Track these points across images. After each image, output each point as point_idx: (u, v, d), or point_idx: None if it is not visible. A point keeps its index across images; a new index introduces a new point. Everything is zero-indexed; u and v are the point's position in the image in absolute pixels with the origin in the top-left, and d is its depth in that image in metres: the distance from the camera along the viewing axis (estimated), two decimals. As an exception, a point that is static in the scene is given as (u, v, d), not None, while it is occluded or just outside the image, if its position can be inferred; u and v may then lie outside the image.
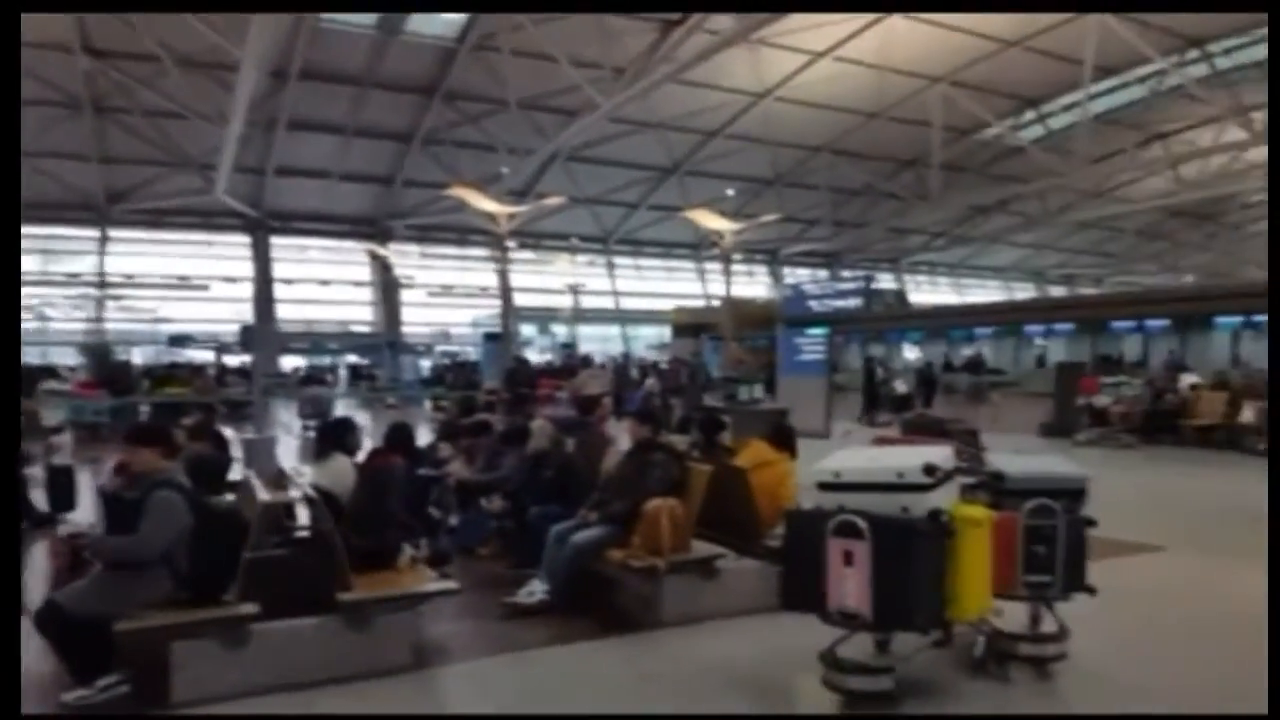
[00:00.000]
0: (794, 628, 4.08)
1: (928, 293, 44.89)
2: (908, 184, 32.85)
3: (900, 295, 40.05)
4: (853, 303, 18.18)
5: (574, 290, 35.64)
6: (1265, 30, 22.80)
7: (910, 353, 35.83)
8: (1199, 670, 4.48)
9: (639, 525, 5.09)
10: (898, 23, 23.47)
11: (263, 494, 4.89)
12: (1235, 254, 43.67)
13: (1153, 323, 28.57)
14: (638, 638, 4.89)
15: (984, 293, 46.54)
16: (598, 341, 36.34)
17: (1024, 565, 4.24)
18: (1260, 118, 24.37)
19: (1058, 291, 46.24)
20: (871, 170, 33.46)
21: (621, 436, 6.17)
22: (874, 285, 32.30)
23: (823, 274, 38.82)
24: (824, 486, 3.97)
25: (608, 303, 38.46)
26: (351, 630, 4.28)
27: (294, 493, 5.09)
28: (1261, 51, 24.44)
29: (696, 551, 5.26)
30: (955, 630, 4.05)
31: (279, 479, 5.83)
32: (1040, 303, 40.47)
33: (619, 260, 38.80)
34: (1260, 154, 28.61)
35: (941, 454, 4.08)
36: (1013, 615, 4.32)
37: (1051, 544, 4.26)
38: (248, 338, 17.69)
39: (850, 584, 3.77)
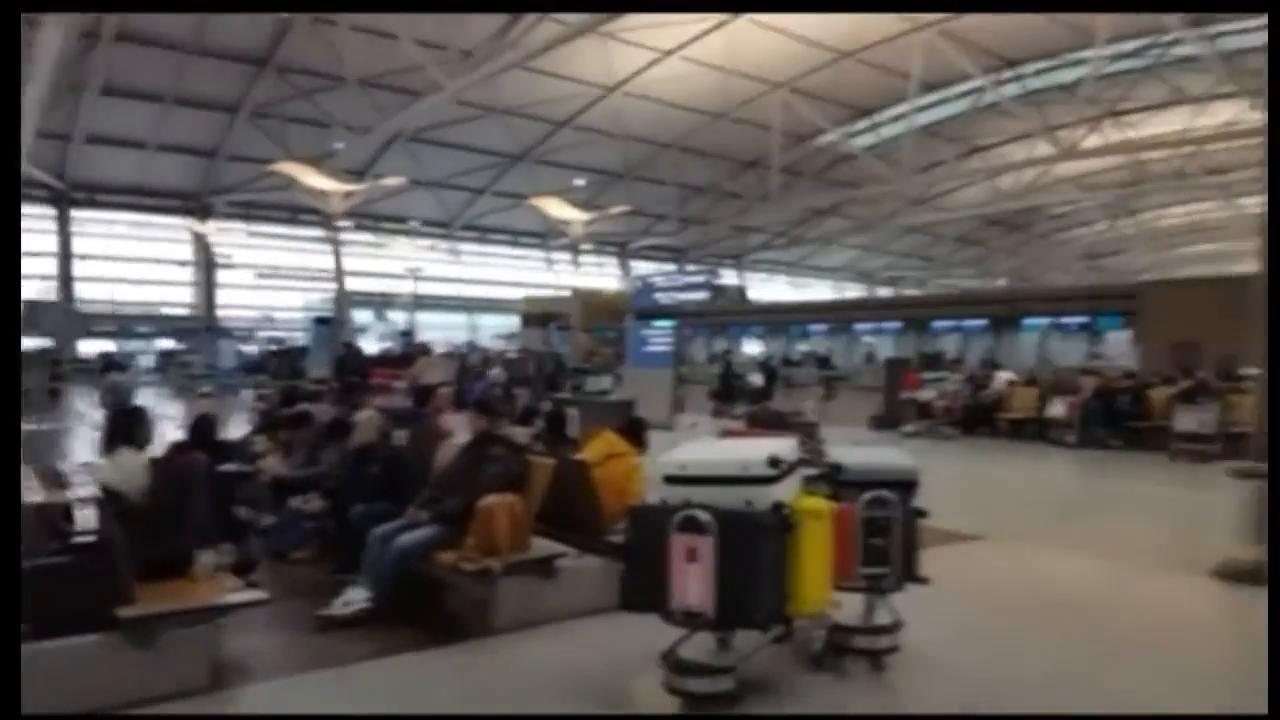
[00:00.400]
0: (636, 628, 3.91)
1: (768, 289, 46.43)
2: (750, 184, 33.79)
3: (741, 291, 41.23)
4: (698, 296, 18.42)
5: (414, 275, 34.45)
6: (1073, 54, 24.82)
7: (751, 347, 36.86)
8: (1026, 656, 4.63)
9: (473, 524, 4.76)
10: (744, 27, 23.98)
11: (35, 494, 4.23)
12: (1043, 261, 47.69)
13: (970, 322, 30.64)
14: (470, 646, 4.58)
15: (819, 291, 48.64)
16: (442, 330, 35.29)
17: (861, 557, 4.24)
18: (1065, 135, 26.57)
19: (885, 292, 48.90)
20: (716, 169, 34.21)
21: (461, 429, 5.80)
22: (718, 281, 33.05)
23: (670, 267, 39.36)
24: (670, 480, 3.82)
25: (452, 290, 37.43)
26: (136, 649, 3.75)
27: (77, 492, 4.45)
28: (1067, 74, 26.58)
29: (536, 551, 4.98)
30: (795, 624, 4.00)
31: (57, 477, 5.11)
32: (871, 302, 42.65)
33: (465, 247, 37.86)
34: (1066, 169, 31.26)
35: (786, 446, 4.02)
36: (849, 607, 4.30)
37: (888, 535, 4.27)
38: (37, 317, 15.83)
39: (693, 581, 3.63)
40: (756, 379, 20.51)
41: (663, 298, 18.28)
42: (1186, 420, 11.90)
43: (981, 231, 44.42)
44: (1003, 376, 16.25)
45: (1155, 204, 40.20)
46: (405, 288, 35.07)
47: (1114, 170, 34.12)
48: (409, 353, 18.26)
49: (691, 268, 37.52)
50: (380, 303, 35.92)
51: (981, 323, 30.32)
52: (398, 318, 35.71)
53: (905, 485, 4.43)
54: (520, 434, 6.58)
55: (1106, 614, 5.41)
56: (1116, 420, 13.30)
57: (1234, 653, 4.97)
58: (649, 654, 3.81)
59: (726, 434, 6.00)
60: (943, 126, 31.52)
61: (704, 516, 3.62)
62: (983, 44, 24.84)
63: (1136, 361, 21.29)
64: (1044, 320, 28.16)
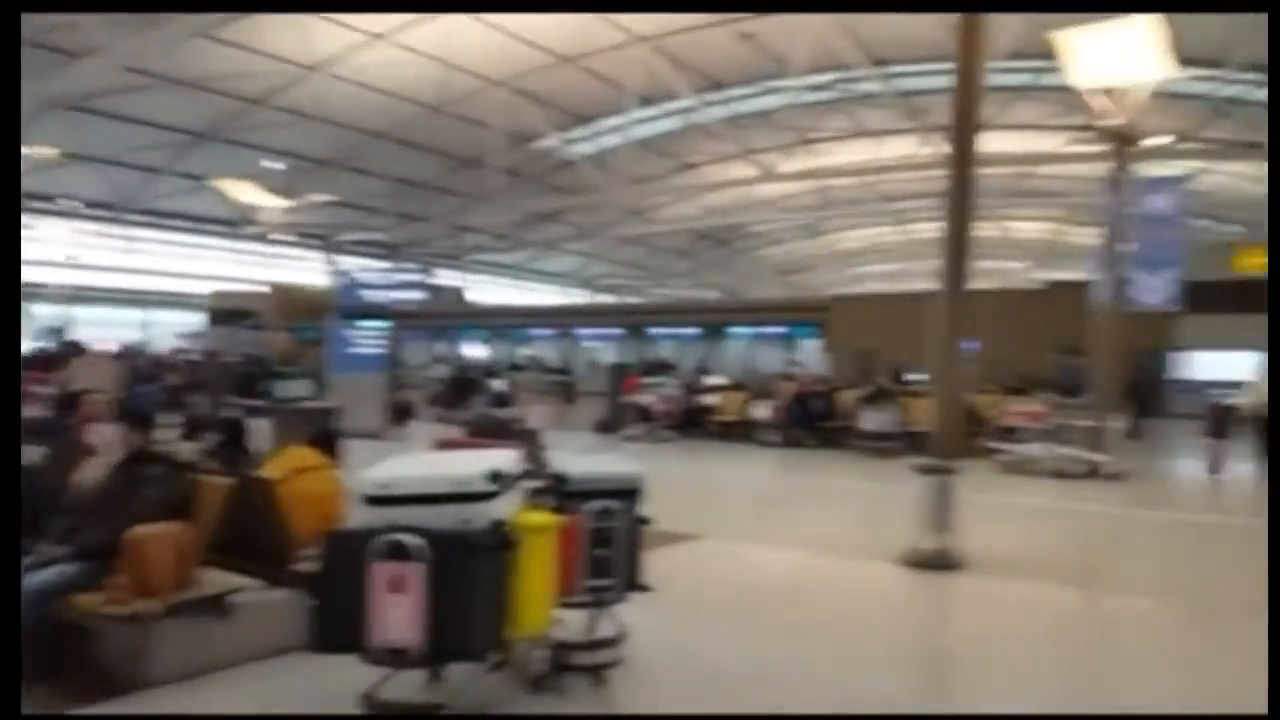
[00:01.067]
0: (332, 668, 3.45)
1: (490, 292, 45.87)
2: (469, 182, 33.06)
3: (458, 292, 40.33)
4: (412, 296, 17.48)
5: (71, 263, 29.85)
6: (770, 82, 26.87)
7: (473, 351, 36.16)
8: (745, 651, 4.67)
9: (124, 559, 3.90)
10: (461, 20, 23.31)
11: None
12: (748, 275, 51.52)
13: (685, 331, 32.29)
14: (120, 703, 3.77)
15: (542, 296, 48.92)
16: (111, 327, 30.82)
17: (587, 570, 4.03)
18: (765, 159, 28.74)
19: (606, 299, 50.28)
20: (434, 164, 33.10)
21: (110, 445, 4.78)
22: (435, 280, 31.97)
23: (383, 264, 37.47)
24: (372, 500, 3.35)
25: (122, 281, 32.98)
26: None
27: None
28: (765, 102, 28.76)
29: (207, 586, 4.20)
30: (515, 645, 3.76)
31: None
32: (595, 308, 43.63)
33: (138, 233, 33.46)
34: (766, 190, 33.87)
35: (507, 457, 3.71)
36: (572, 621, 4.08)
37: (613, 546, 4.10)
38: None
39: (399, 614, 3.19)
40: (498, 384, 19.96)
41: (372, 296, 17.15)
42: (870, 420, 13.24)
43: (694, 245, 47.04)
44: (714, 381, 17.12)
45: (840, 226, 44.85)
46: (59, 277, 30.32)
47: (806, 194, 37.53)
48: (62, 353, 15.62)
49: (406, 265, 35.98)
50: (25, 294, 30.63)
51: (695, 331, 32.06)
52: (46, 312, 30.62)
53: (629, 493, 4.28)
54: (187, 450, 5.61)
55: (814, 603, 5.70)
56: (812, 421, 14.45)
57: (922, 631, 5.40)
58: (346, 697, 3.39)
59: (444, 445, 5.51)
60: (657, 141, 32.84)
61: (412, 541, 3.22)
62: (694, 64, 26.14)
63: (827, 368, 23.48)
64: (749, 330, 30.38)
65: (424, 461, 4.02)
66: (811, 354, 27.77)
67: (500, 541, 3.38)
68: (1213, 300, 17.34)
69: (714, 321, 31.31)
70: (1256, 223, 33.89)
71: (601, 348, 34.15)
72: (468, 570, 3.27)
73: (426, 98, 27.95)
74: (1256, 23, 19.37)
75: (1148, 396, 16.95)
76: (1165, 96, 16.57)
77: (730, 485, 11.45)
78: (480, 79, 26.96)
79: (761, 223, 41.42)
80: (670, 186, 35.48)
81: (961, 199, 6.72)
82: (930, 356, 6.89)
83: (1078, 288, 26.15)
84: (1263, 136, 25.22)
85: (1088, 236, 41.74)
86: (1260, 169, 29.69)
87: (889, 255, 47.64)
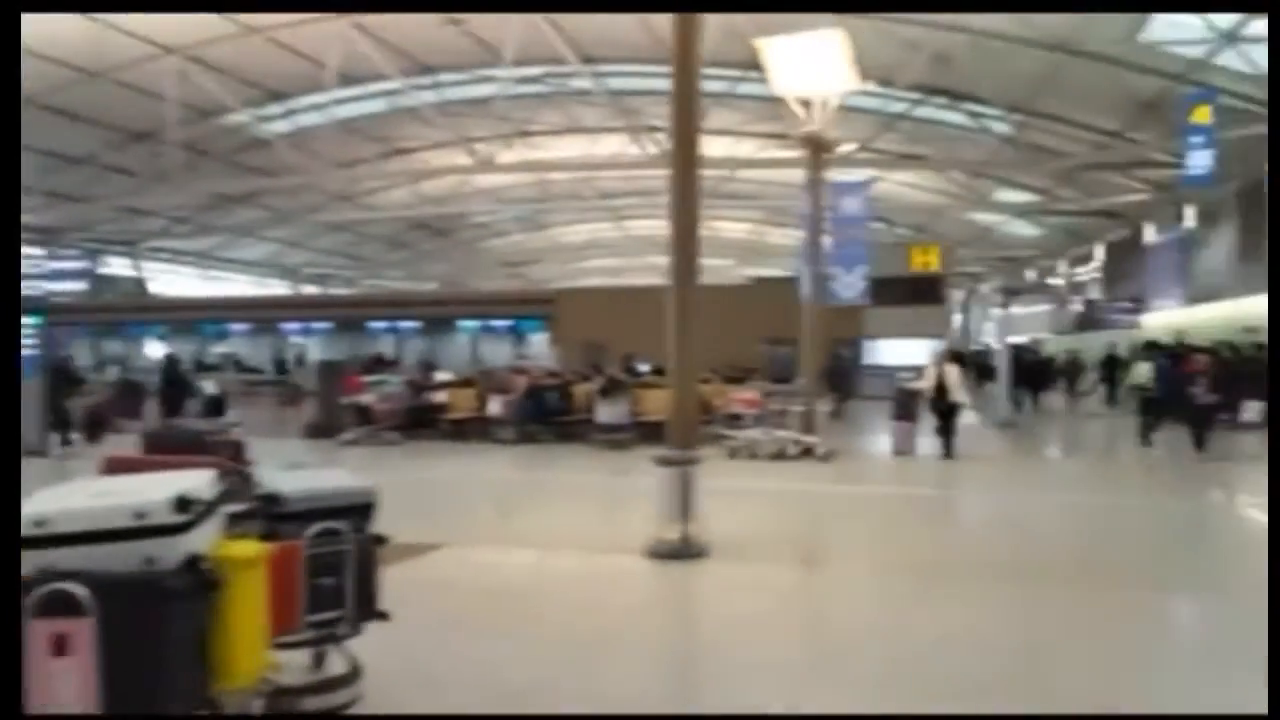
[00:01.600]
0: None
1: (174, 284, 40.94)
2: (142, 159, 29.13)
3: (140, 284, 35.59)
4: (73, 286, 14.94)
5: None
6: (484, 70, 26.30)
7: (154, 349, 32.04)
8: (499, 665, 4.33)
9: None
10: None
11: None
12: (469, 266, 50.45)
13: (406, 324, 30.86)
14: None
15: (236, 287, 44.49)
16: None
17: (308, 603, 3.47)
18: (482, 148, 28.15)
19: (312, 290, 46.90)
20: (98, 138, 28.77)
21: None
22: (104, 269, 27.82)
23: (36, 251, 31.97)
24: (25, 543, 2.65)
25: None
26: None
27: None
28: (478, 90, 28.13)
29: None
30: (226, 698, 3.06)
31: None
32: (301, 299, 40.44)
33: None
34: (485, 180, 33.25)
35: (200, 480, 3.01)
36: (296, 661, 3.52)
37: (340, 573, 3.57)
38: None
39: (66, 681, 2.52)
40: (210, 386, 17.59)
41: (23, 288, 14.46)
42: (605, 413, 13.25)
43: (409, 234, 45.19)
44: (441, 377, 16.38)
45: (561, 220, 45.28)
46: None
47: (526, 186, 37.40)
48: None
49: (64, 252, 30.90)
50: None
51: (416, 324, 30.74)
52: None
53: (359, 509, 3.76)
54: None
55: (565, 604, 5.44)
56: (546, 416, 14.22)
57: (675, 623, 5.33)
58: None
59: (115, 465, 4.46)
60: (364, 124, 31.02)
61: (77, 591, 2.53)
62: (397, 45, 24.88)
63: (556, 361, 23.51)
64: (475, 323, 29.66)
65: (92, 489, 3.20)
66: (539, 347, 27.72)
67: (195, 583, 2.72)
68: (893, 294, 19.63)
69: (438, 314, 30.23)
70: (921, 225, 39.06)
71: (310, 344, 31.79)
72: (154, 621, 2.62)
73: (82, 61, 24.07)
74: (919, 45, 22.17)
75: (845, 382, 18.75)
76: (844, 109, 18.28)
77: (467, 487, 10.93)
78: (148, 43, 23.71)
79: (482, 213, 40.73)
80: (380, 171, 33.74)
81: (687, 197, 6.87)
82: (666, 349, 6.91)
83: (781, 283, 28.37)
84: (923, 149, 29.08)
85: (786, 237, 45.89)
86: (921, 178, 34.18)
87: (611, 250, 48.99)
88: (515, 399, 14.39)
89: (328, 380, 16.19)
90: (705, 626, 5.39)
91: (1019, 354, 19.73)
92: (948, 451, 11.68)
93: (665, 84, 7.14)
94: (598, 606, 5.45)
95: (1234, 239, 26.71)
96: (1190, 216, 28.96)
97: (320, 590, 3.50)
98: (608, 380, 14.14)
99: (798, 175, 29.34)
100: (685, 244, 6.85)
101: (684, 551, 6.26)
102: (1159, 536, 7.83)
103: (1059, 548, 7.32)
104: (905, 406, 12.41)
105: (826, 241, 13.97)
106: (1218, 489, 10.33)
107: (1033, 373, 20.58)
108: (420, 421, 14.83)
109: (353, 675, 3.69)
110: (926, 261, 21.74)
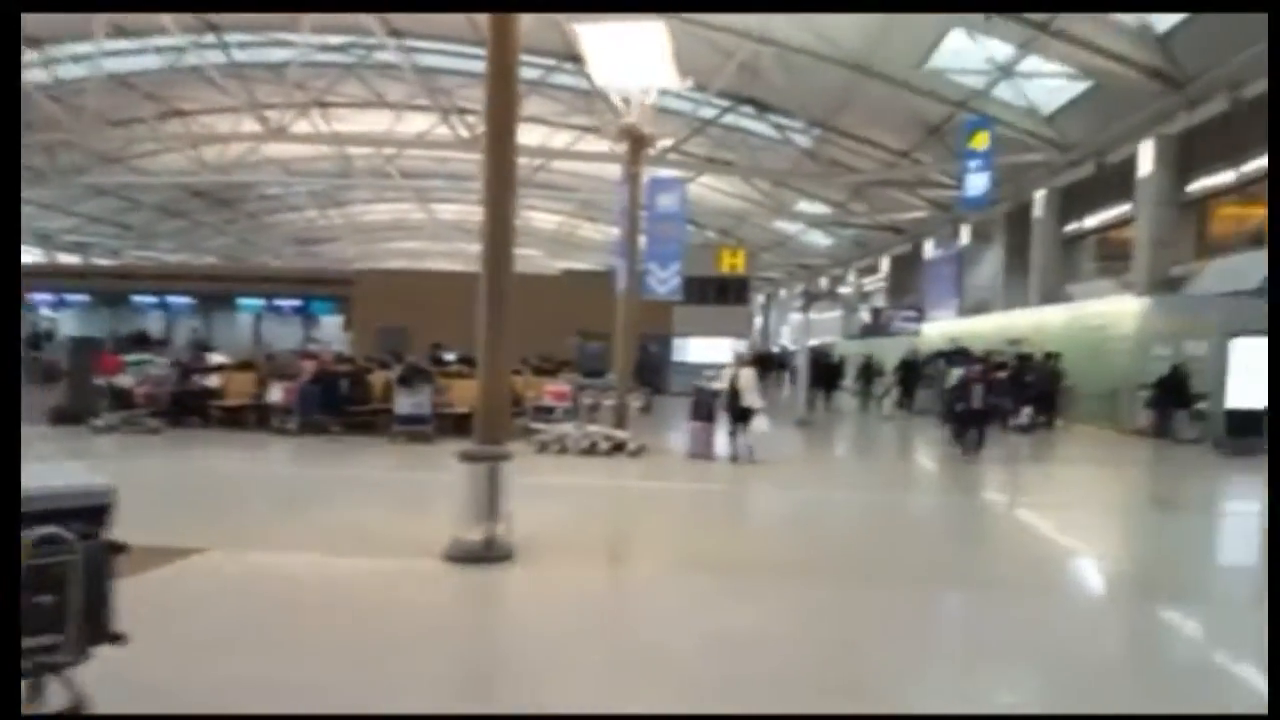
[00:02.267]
0: None
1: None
2: None
3: None
4: None
5: None
6: (280, 34, 24.35)
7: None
8: (259, 697, 3.64)
9: None
10: None
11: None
12: (254, 241, 46.70)
13: (177, 299, 28.03)
14: None
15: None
16: None
17: (24, 627, 2.80)
18: (274, 116, 26.04)
19: (70, 259, 41.85)
20: None
21: None
22: None
23: None
24: None
25: None
26: None
27: None
28: (271, 55, 26.03)
29: None
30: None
31: None
32: (49, 269, 35.87)
33: None
34: (276, 150, 30.85)
35: None
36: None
37: (63, 588, 2.94)
38: None
39: None
40: None
41: None
42: (405, 403, 12.35)
43: (186, 203, 41.24)
44: (215, 359, 14.86)
45: (361, 199, 42.92)
46: None
47: (323, 160, 35.09)
48: None
49: None
50: None
51: (190, 301, 27.99)
52: None
53: (92, 512, 3.11)
54: None
55: (349, 615, 4.84)
56: (337, 405, 13.17)
57: (475, 636, 4.88)
58: None
59: None
60: (138, 80, 27.95)
61: None
62: (180, -1, 22.55)
63: (350, 346, 22.10)
64: (259, 301, 27.35)
65: None
66: (333, 331, 26.02)
67: None
68: (702, 293, 20.04)
69: (215, 290, 27.65)
70: (727, 229, 40.31)
71: (63, 318, 28.30)
72: None
73: None
74: (730, 53, 22.75)
75: (655, 377, 18.88)
76: (657, 109, 18.38)
77: (239, 482, 9.87)
78: None
79: (273, 185, 37.87)
80: (158, 133, 30.54)
81: (502, 184, 6.51)
82: (476, 337, 6.48)
83: (595, 276, 28.29)
84: (730, 156, 29.95)
85: (598, 231, 46.03)
86: (728, 184, 35.23)
87: (415, 233, 47.05)
88: (300, 385, 13.22)
89: (79, 359, 14.29)
90: (505, 633, 4.98)
91: (815, 357, 20.72)
92: (740, 454, 11.37)
93: (478, 65, 6.74)
94: (385, 615, 4.88)
95: (1001, 257, 29.45)
96: (965, 235, 31.67)
97: (38, 610, 2.87)
98: (407, 368, 13.21)
99: (612, 170, 29.64)
100: (499, 232, 6.48)
101: (487, 554, 5.81)
102: (941, 535, 8.26)
103: (848, 545, 7.52)
104: (704, 407, 12.15)
105: (642, 239, 13.90)
106: (994, 490, 11.12)
107: (827, 375, 21.72)
108: (189, 408, 13.38)
109: (79, 707, 3.04)
110: (734, 264, 22.48)
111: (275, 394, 13.19)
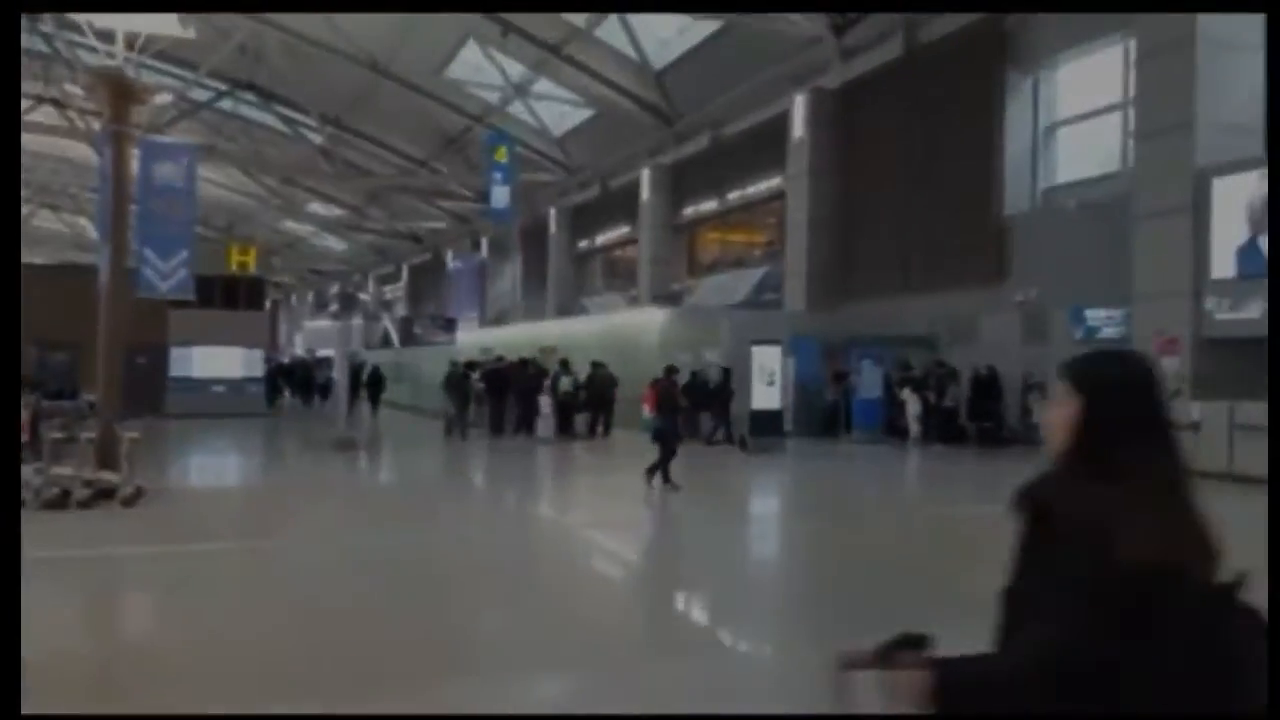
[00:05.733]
0: None
1: None
2: None
3: None
4: None
5: None
6: None
7: None
8: None
9: None
10: None
11: None
12: None
13: None
14: None
15: None
16: None
17: None
18: None
19: None
20: None
21: None
22: None
23: None
24: None
25: None
26: None
27: None
28: None
29: None
30: None
31: None
32: None
33: None
34: None
35: None
36: None
37: None
38: None
39: None
40: None
41: None
42: None
43: None
44: None
45: None
46: None
47: None
48: None
49: None
50: None
51: None
52: None
53: None
54: None
55: None
56: None
57: None
58: None
59: None
60: None
61: None
62: None
63: None
64: None
65: None
66: None
67: None
68: (206, 294, 16.58)
69: None
70: (229, 227, 35.75)
71: None
72: None
73: None
74: (227, 33, 19.95)
75: (146, 395, 15.37)
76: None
77: None
78: None
79: None
80: None
81: None
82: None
83: (58, 271, 22.87)
84: (229, 146, 26.53)
85: (61, 222, 37.71)
86: (224, 175, 31.22)
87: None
88: None
89: None
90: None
91: (355, 367, 18.91)
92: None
93: None
94: None
95: (518, 271, 30.47)
96: (485, 248, 32.25)
97: None
98: None
99: (78, 151, 24.23)
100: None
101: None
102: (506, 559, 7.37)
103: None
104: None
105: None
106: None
107: (370, 385, 20.18)
108: None
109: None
110: (244, 261, 19.29)
111: None
